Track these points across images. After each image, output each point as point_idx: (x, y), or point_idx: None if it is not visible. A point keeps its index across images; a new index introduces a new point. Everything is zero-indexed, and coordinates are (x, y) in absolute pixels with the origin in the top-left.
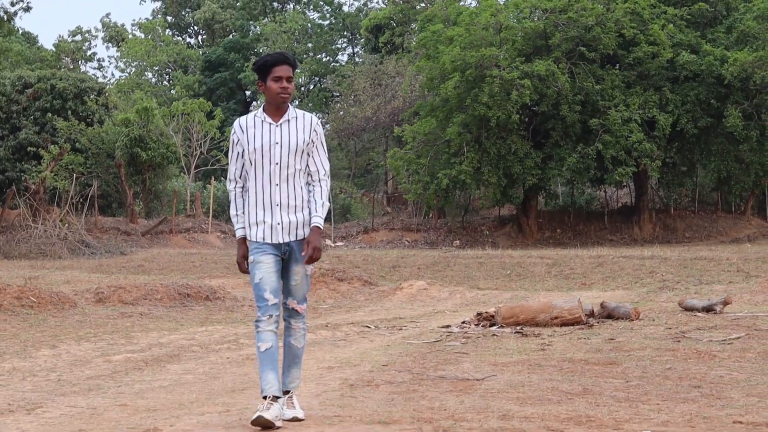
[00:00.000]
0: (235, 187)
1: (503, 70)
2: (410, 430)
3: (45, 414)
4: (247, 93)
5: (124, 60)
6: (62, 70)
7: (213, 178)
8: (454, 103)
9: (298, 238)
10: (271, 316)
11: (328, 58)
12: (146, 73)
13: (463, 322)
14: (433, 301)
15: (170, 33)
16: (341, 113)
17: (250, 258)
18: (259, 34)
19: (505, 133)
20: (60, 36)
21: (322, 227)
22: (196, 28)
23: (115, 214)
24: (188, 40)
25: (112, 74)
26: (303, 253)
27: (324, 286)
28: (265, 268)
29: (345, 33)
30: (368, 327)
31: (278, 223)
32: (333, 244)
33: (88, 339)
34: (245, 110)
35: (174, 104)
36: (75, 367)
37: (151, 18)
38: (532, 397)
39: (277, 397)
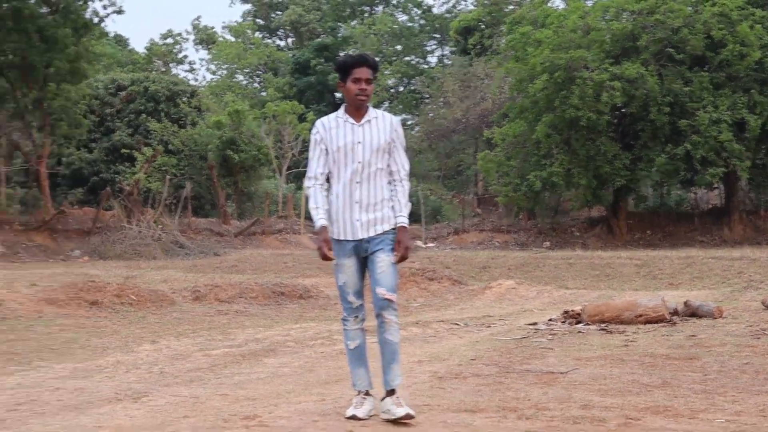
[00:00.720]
0: (314, 184)
1: (592, 71)
2: (495, 418)
3: (151, 402)
4: (337, 95)
5: (215, 62)
6: (154, 72)
7: (305, 180)
8: (543, 105)
9: (377, 233)
10: (356, 316)
11: (417, 60)
12: (237, 75)
13: (550, 320)
14: (521, 299)
15: (260, 35)
16: (431, 115)
17: (334, 260)
18: (348, 37)
19: (594, 135)
20: (151, 39)
21: (408, 226)
22: (285, 30)
23: (208, 215)
24: (278, 42)
25: (204, 77)
26: (395, 253)
27: (414, 285)
28: (348, 271)
29: (435, 35)
30: (457, 324)
31: (357, 220)
32: (424, 245)
33: (187, 335)
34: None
35: (267, 105)
36: (176, 360)
37: (241, 21)
38: (612, 389)
39: (368, 392)
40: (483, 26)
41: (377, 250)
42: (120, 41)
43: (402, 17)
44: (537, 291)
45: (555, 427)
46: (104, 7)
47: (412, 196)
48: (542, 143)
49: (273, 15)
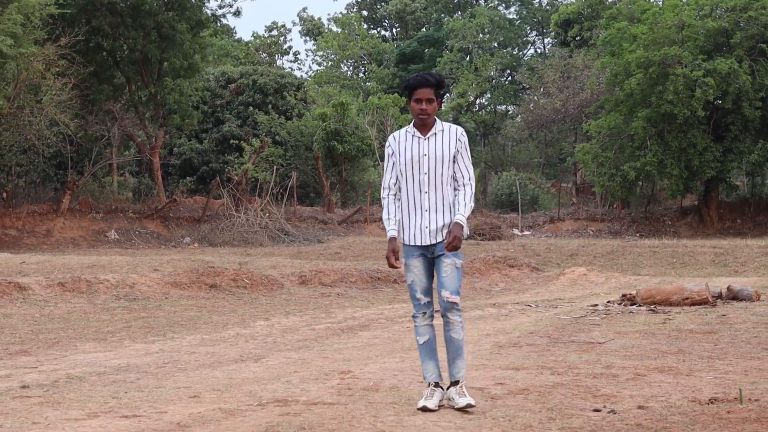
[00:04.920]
0: (387, 195)
1: (685, 67)
2: (534, 373)
3: (267, 362)
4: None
5: (320, 53)
6: (263, 66)
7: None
8: (638, 99)
9: (444, 239)
10: (425, 313)
11: (517, 51)
12: (342, 66)
13: (608, 302)
14: (591, 285)
15: (365, 27)
16: (531, 105)
17: (402, 260)
18: (451, 30)
19: (686, 127)
20: (255, 32)
21: (464, 224)
22: (390, 21)
23: (313, 203)
24: (383, 33)
25: (310, 67)
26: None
27: (497, 272)
28: (416, 271)
29: (537, 27)
30: (530, 306)
31: (426, 227)
32: (520, 233)
33: (294, 314)
34: (439, 104)
35: (370, 99)
36: (286, 333)
37: (345, 12)
38: (635, 355)
39: (438, 384)
40: (583, 18)
41: (442, 255)
42: (227, 32)
43: (504, 10)
44: (605, 277)
45: (578, 380)
46: (220, 7)
47: (511, 185)
48: (637, 135)
49: (377, 6)
